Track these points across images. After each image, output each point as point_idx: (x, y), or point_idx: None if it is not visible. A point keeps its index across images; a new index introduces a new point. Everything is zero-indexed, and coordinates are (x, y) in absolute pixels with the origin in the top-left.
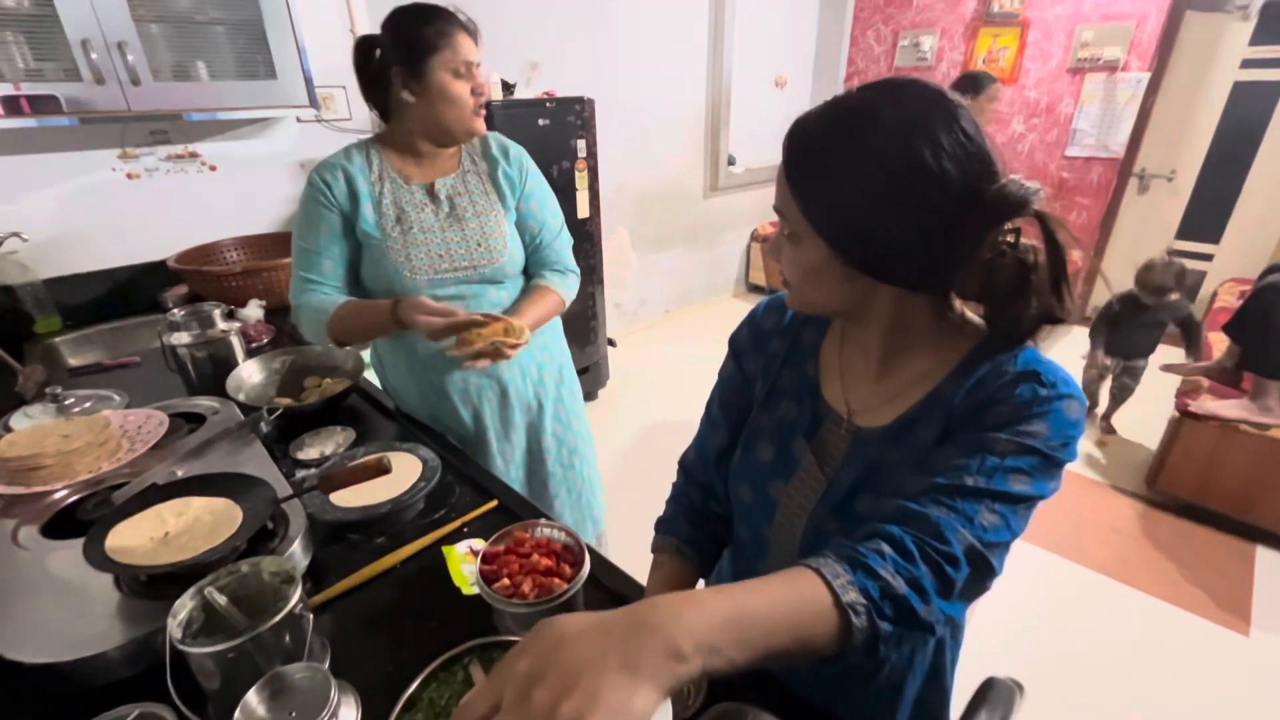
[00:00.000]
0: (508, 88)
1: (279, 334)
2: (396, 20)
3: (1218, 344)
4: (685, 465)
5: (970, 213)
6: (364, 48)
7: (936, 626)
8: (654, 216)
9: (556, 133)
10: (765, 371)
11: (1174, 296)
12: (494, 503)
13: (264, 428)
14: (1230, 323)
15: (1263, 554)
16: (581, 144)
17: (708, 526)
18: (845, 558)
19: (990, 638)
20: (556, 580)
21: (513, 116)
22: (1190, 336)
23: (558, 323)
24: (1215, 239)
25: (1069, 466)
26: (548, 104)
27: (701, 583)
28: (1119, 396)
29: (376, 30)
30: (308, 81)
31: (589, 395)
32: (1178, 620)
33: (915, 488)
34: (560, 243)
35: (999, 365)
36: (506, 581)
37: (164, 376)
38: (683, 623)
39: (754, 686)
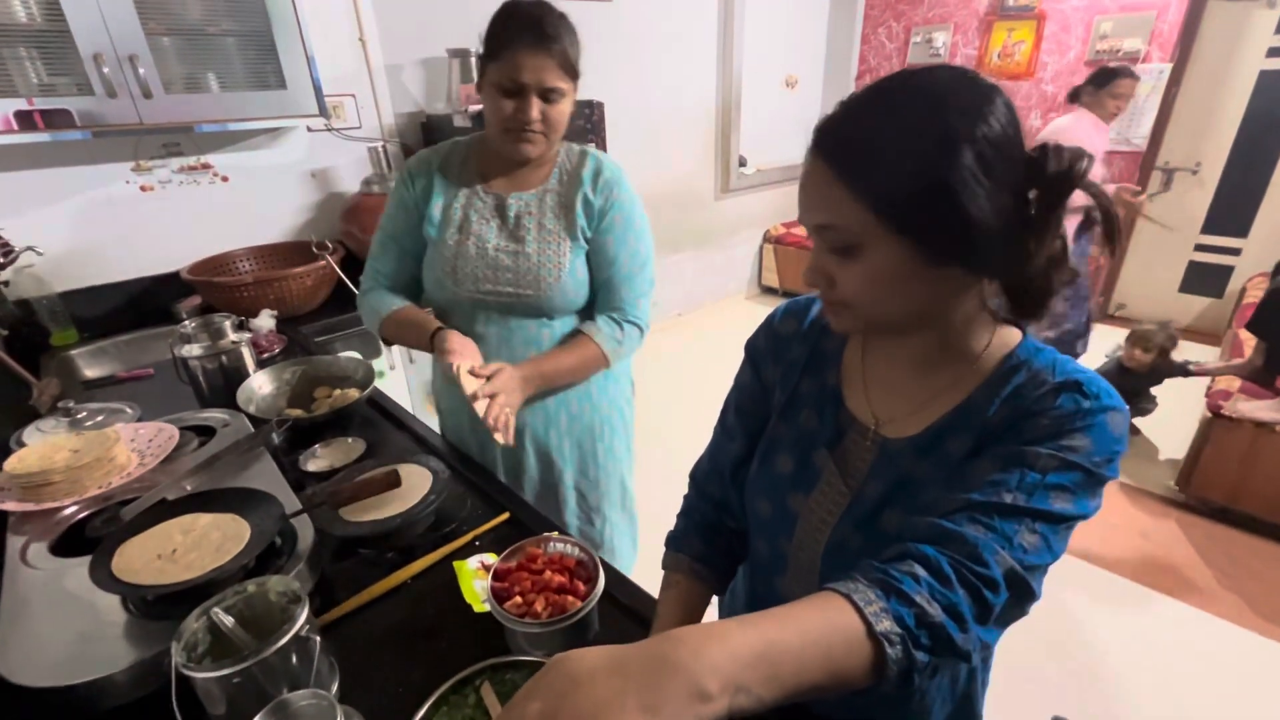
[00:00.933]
0: None
1: (290, 344)
2: (497, 11)
3: (1248, 341)
4: (696, 478)
5: (1038, 184)
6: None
7: (973, 655)
8: (665, 219)
9: (567, 136)
10: (784, 379)
11: (1161, 362)
12: (505, 515)
13: (274, 439)
14: (1252, 320)
15: None
16: (592, 147)
17: (721, 542)
18: (877, 582)
19: (1014, 645)
20: (570, 598)
21: None
22: (1171, 374)
23: (610, 373)
24: (1243, 233)
25: None
26: None
27: (715, 601)
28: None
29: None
30: (317, 90)
31: None
32: (1213, 628)
33: (949, 505)
34: (630, 287)
35: (1036, 375)
36: (519, 599)
37: (176, 388)
38: (706, 659)
39: (775, 711)
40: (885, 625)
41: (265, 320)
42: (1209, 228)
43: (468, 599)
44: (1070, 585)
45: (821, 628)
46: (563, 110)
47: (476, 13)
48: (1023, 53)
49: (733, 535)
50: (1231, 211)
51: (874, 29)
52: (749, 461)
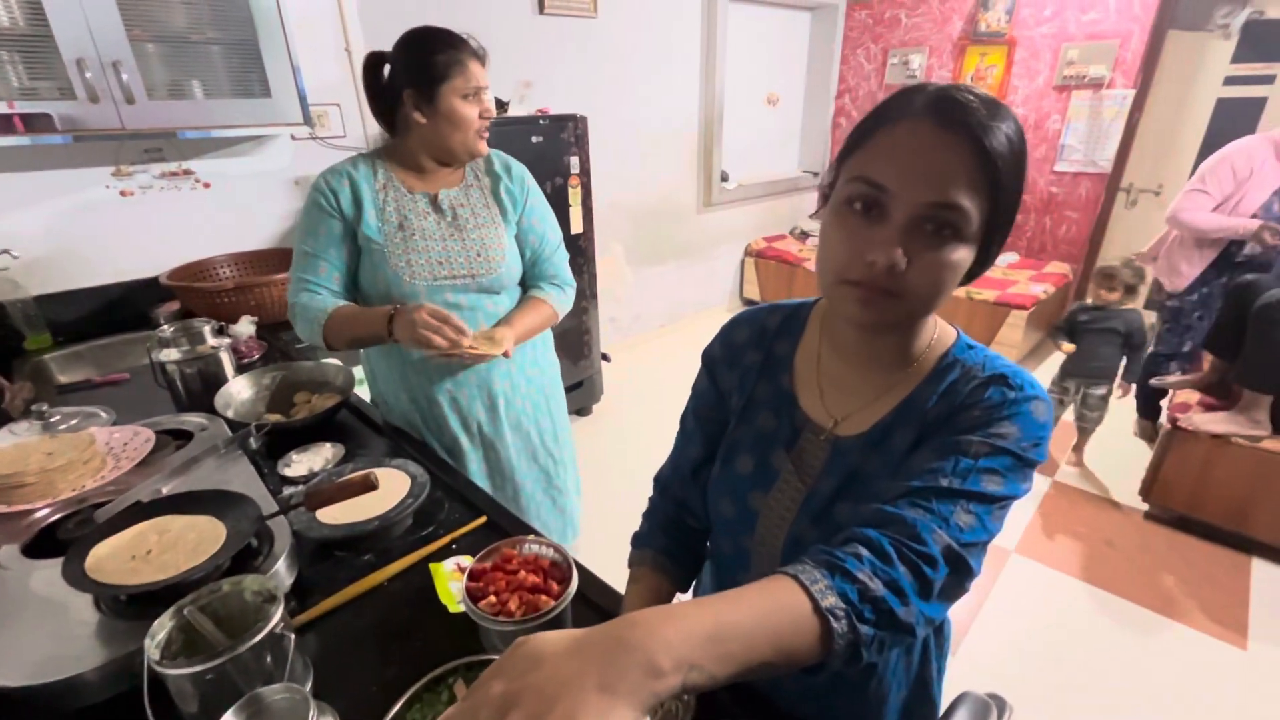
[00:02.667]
0: (501, 105)
1: (270, 350)
2: (411, 43)
3: (1206, 357)
4: (660, 480)
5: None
6: (373, 64)
7: (917, 628)
8: (648, 232)
9: (550, 150)
10: (741, 385)
11: (1129, 304)
12: (483, 519)
13: (252, 444)
14: (1209, 339)
15: (1258, 566)
16: (575, 160)
17: (683, 539)
18: (823, 563)
19: (984, 652)
20: (543, 598)
21: (506, 134)
22: (1131, 349)
23: (549, 338)
24: None
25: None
26: (541, 121)
27: (679, 596)
28: (1082, 428)
29: (376, 47)
30: (302, 99)
31: (583, 410)
32: (1174, 634)
33: (892, 492)
34: (558, 257)
35: (969, 370)
36: (493, 599)
37: (153, 393)
38: (660, 639)
39: (742, 703)
40: (830, 601)
41: (245, 326)
42: None
43: (443, 600)
44: (1037, 591)
45: (770, 606)
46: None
47: (464, 25)
48: (995, 76)
49: (693, 533)
50: None
51: (853, 50)
52: (708, 464)
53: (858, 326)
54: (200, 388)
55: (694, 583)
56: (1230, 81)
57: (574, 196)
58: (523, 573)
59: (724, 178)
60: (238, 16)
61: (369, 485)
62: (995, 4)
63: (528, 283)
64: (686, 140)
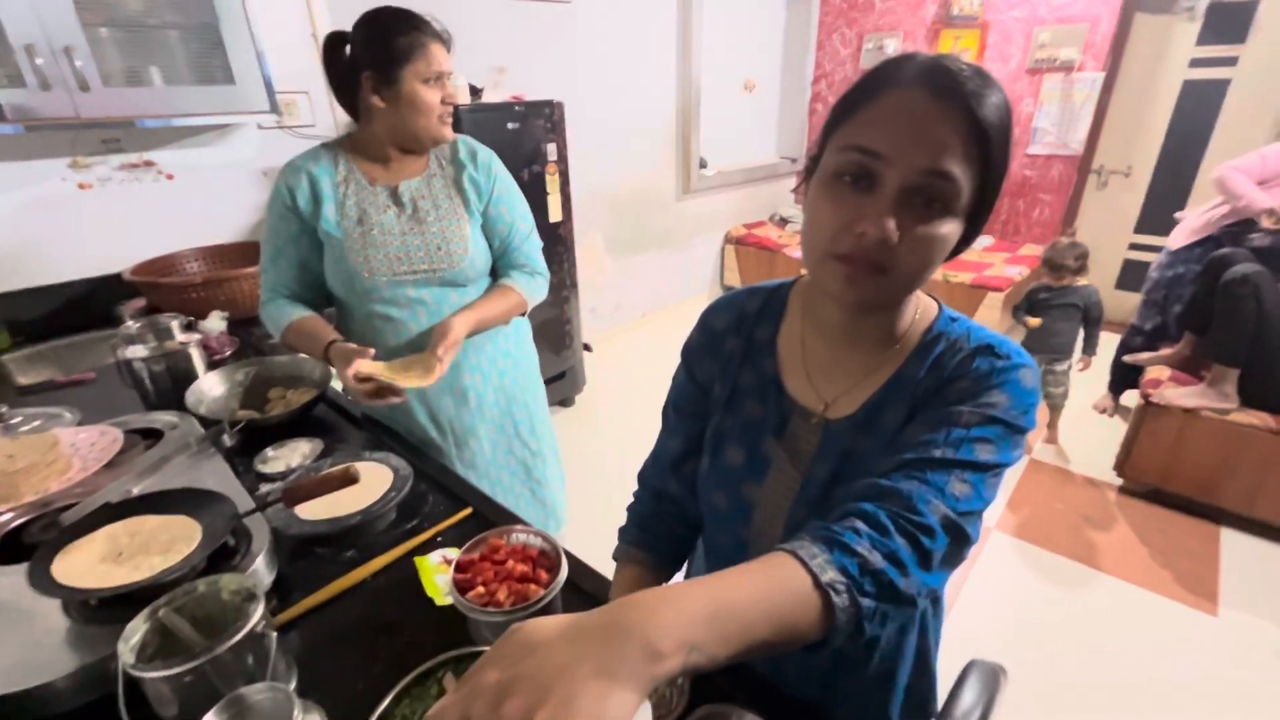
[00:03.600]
0: (475, 92)
1: (244, 346)
2: (371, 24)
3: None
4: (642, 476)
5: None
6: (334, 44)
7: (918, 599)
8: (627, 220)
9: (526, 136)
10: (724, 374)
11: (1081, 281)
12: (468, 510)
13: (227, 441)
14: (1182, 315)
15: (1227, 535)
16: (552, 148)
17: (661, 532)
18: (821, 538)
19: (969, 626)
20: (533, 587)
21: (481, 120)
22: (1089, 323)
23: (524, 327)
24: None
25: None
26: (516, 108)
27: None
28: (1052, 405)
29: (343, 29)
30: (268, 86)
31: (565, 401)
32: (1149, 603)
33: (887, 466)
34: (529, 244)
35: (955, 342)
36: (481, 590)
37: (120, 393)
38: (659, 621)
39: (741, 686)
40: (830, 575)
41: (215, 322)
42: (1141, 227)
43: (429, 593)
44: (1018, 566)
45: (770, 583)
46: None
47: (436, 9)
48: (968, 60)
49: (672, 526)
50: (1161, 212)
51: (828, 35)
52: (690, 458)
53: (843, 306)
54: (170, 385)
55: (686, 572)
56: (1196, 64)
57: (552, 184)
58: (511, 562)
59: (703, 164)
60: (196, 0)
61: (349, 479)
62: None
63: (498, 271)
64: (664, 127)
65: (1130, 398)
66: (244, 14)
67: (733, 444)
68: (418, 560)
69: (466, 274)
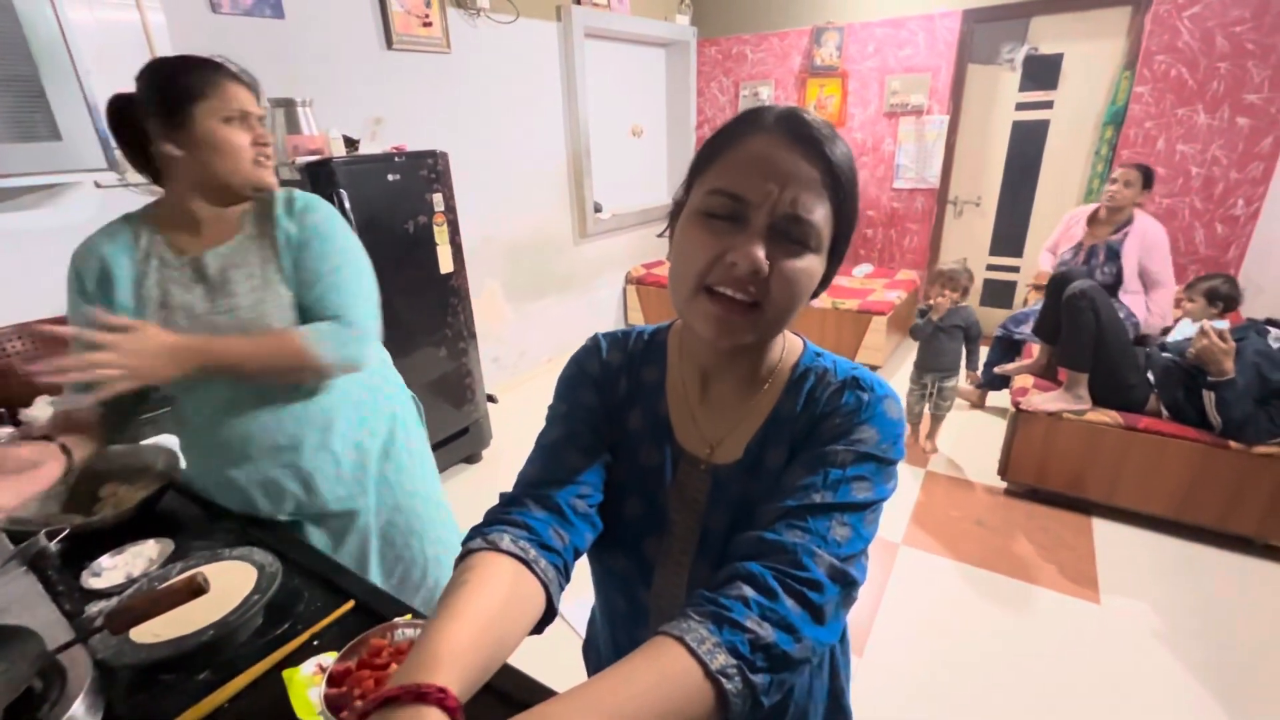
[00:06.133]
0: (351, 143)
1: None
2: (154, 70)
3: (1034, 344)
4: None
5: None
6: (118, 106)
7: (812, 658)
8: (525, 266)
9: (410, 187)
10: (615, 415)
11: (962, 303)
12: (350, 604)
13: (46, 554)
14: (1035, 328)
15: (1098, 524)
16: (438, 198)
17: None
18: (709, 615)
19: (889, 650)
20: None
21: (358, 173)
22: (969, 341)
23: (389, 377)
24: (1019, 253)
25: (936, 469)
26: (397, 158)
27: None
28: (936, 416)
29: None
30: (103, 142)
31: (472, 457)
32: (1039, 598)
33: (770, 515)
34: (338, 292)
35: (822, 376)
36: (359, 705)
37: None
38: None
39: None
40: (720, 661)
41: (42, 409)
42: (994, 250)
43: (300, 716)
44: (925, 579)
45: (660, 681)
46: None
47: (303, 60)
48: (834, 105)
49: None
50: (1009, 236)
51: (707, 83)
52: (590, 478)
53: (714, 348)
54: None
55: (586, 637)
56: (1020, 107)
57: (441, 235)
58: (394, 666)
59: (597, 208)
60: (9, 49)
61: (196, 589)
62: (827, 41)
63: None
64: (556, 173)
65: (1001, 398)
66: (71, 65)
67: (632, 495)
68: (287, 675)
69: None
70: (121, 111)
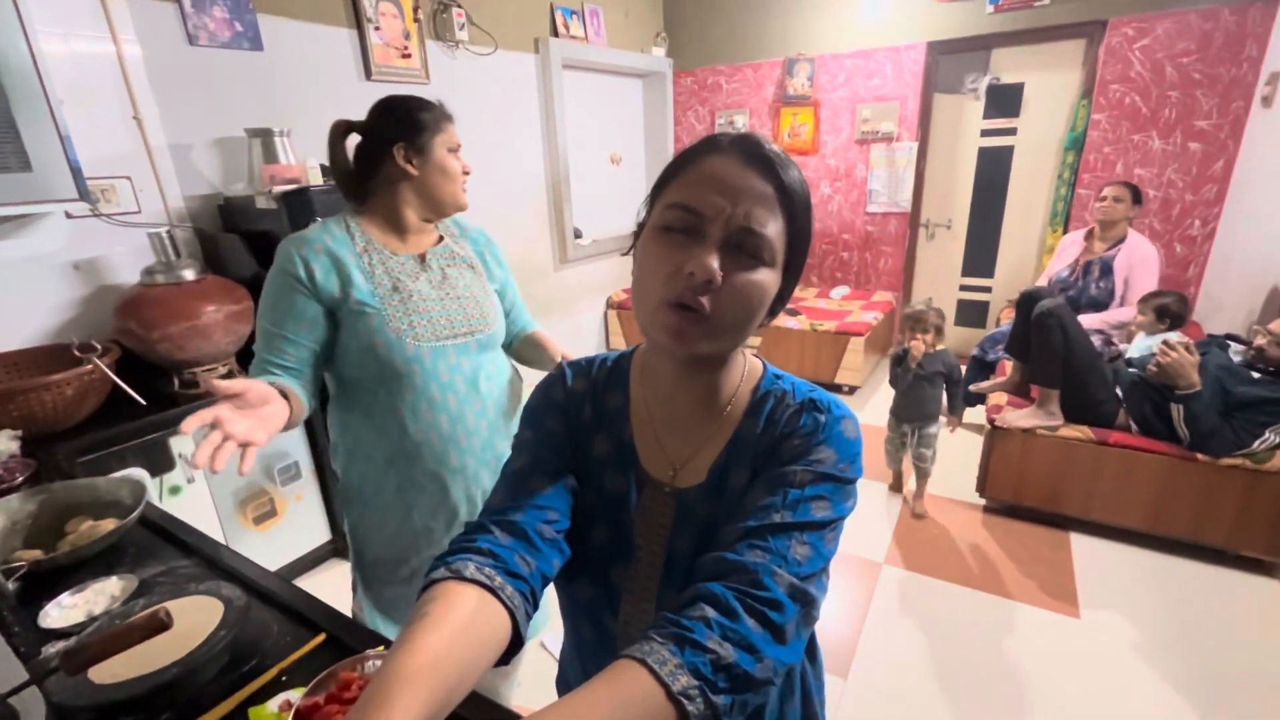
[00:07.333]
0: (328, 171)
1: (44, 468)
2: (396, 104)
3: (1008, 362)
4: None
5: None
6: (344, 131)
7: (775, 679)
8: None
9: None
10: (581, 442)
11: (940, 345)
12: (321, 637)
13: (4, 591)
14: (1007, 346)
15: (1075, 539)
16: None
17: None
18: (671, 636)
19: (875, 670)
20: None
21: (336, 201)
22: (950, 384)
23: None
24: (990, 274)
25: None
26: None
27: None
28: (921, 470)
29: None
30: (76, 172)
31: None
32: (1021, 615)
33: (732, 535)
34: (521, 301)
35: (782, 399)
36: None
37: None
38: None
39: None
40: (682, 682)
41: (3, 443)
42: (966, 271)
43: None
44: (908, 598)
45: (621, 704)
46: None
47: (285, 90)
48: (807, 133)
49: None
50: (980, 257)
51: (684, 112)
52: (554, 502)
53: (675, 358)
54: None
55: (559, 671)
56: (985, 134)
57: None
58: None
59: (577, 234)
60: None
61: (158, 626)
62: (799, 72)
63: (515, 331)
64: (536, 200)
65: (977, 414)
66: (43, 95)
67: (598, 523)
68: (253, 713)
69: (497, 337)
70: (343, 135)
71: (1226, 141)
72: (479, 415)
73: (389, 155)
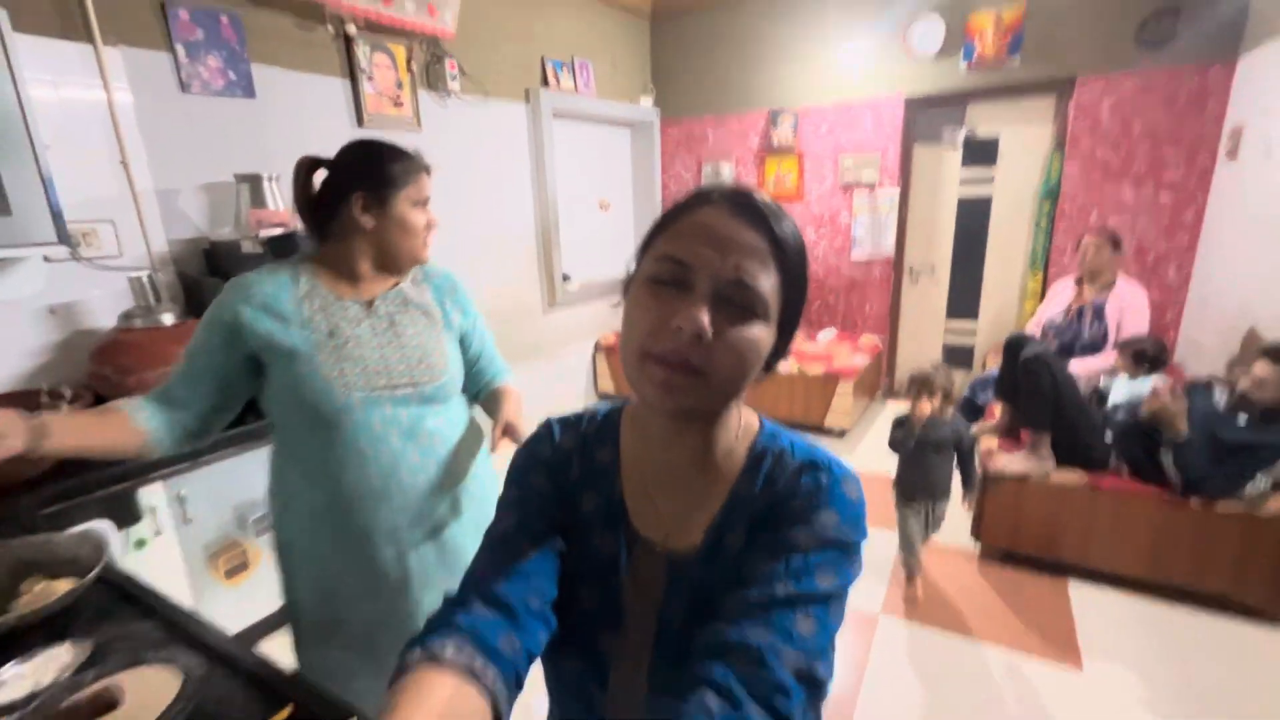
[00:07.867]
0: None
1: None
2: (367, 149)
3: (996, 405)
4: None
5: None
6: (308, 168)
7: None
8: (495, 334)
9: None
10: (569, 499)
11: (950, 413)
12: (289, 709)
13: None
14: (996, 389)
15: (1074, 586)
16: None
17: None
18: None
19: (859, 711)
20: None
21: None
22: (962, 456)
23: (485, 444)
24: (975, 316)
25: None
26: None
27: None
28: (911, 559)
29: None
30: (56, 216)
31: None
32: (1023, 667)
33: (733, 606)
34: (493, 349)
35: (780, 457)
36: None
37: None
38: None
39: None
40: None
41: None
42: (950, 314)
43: None
44: (906, 649)
45: None
46: None
47: (276, 136)
48: (791, 181)
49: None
50: (963, 301)
51: (671, 160)
52: (541, 570)
53: (664, 412)
54: None
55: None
56: (964, 182)
57: None
58: None
59: (566, 278)
60: None
61: (107, 703)
62: (782, 123)
63: (477, 383)
64: (525, 245)
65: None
66: (28, 139)
67: (585, 585)
68: None
69: (446, 390)
70: (309, 172)
71: (1195, 192)
72: (415, 471)
73: (347, 203)
